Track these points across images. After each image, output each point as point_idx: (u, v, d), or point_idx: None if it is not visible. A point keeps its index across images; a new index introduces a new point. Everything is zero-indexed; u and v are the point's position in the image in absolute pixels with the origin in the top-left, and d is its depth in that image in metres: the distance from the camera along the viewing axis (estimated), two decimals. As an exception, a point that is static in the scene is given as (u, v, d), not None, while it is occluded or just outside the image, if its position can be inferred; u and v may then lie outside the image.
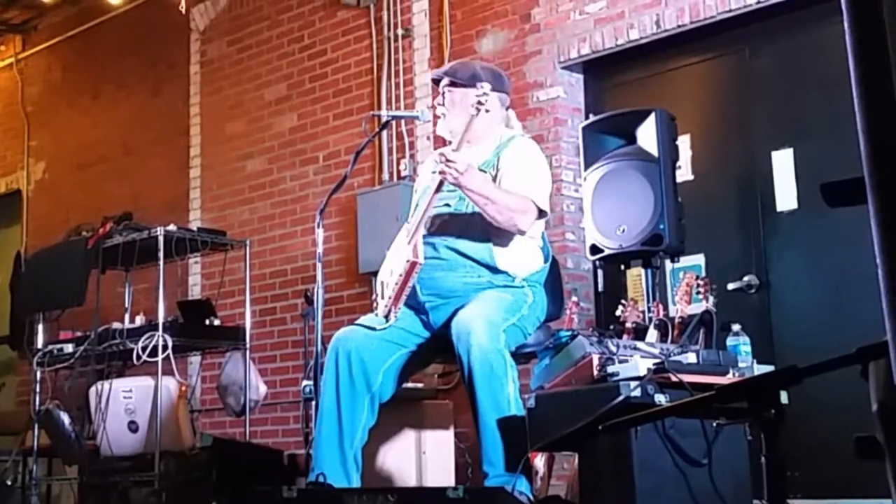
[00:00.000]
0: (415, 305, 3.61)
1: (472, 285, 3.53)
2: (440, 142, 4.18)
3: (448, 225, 3.61)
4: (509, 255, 3.58)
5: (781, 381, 1.56)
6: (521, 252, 3.62)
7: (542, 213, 3.59)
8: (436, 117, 3.75)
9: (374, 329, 3.56)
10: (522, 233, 3.55)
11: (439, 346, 3.59)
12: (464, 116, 3.52)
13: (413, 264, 3.43)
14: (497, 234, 3.56)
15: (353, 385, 3.48)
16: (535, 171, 3.64)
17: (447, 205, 3.62)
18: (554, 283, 3.88)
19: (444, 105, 3.71)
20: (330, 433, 3.45)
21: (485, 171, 3.58)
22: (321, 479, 3.36)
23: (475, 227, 3.54)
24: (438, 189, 3.47)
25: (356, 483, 3.46)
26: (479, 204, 3.46)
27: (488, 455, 3.24)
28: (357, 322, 3.70)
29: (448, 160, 3.35)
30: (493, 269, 3.54)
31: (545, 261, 3.70)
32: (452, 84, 3.72)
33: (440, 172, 3.39)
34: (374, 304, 3.66)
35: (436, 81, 3.84)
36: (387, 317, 3.52)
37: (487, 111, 3.45)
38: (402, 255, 3.48)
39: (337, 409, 3.46)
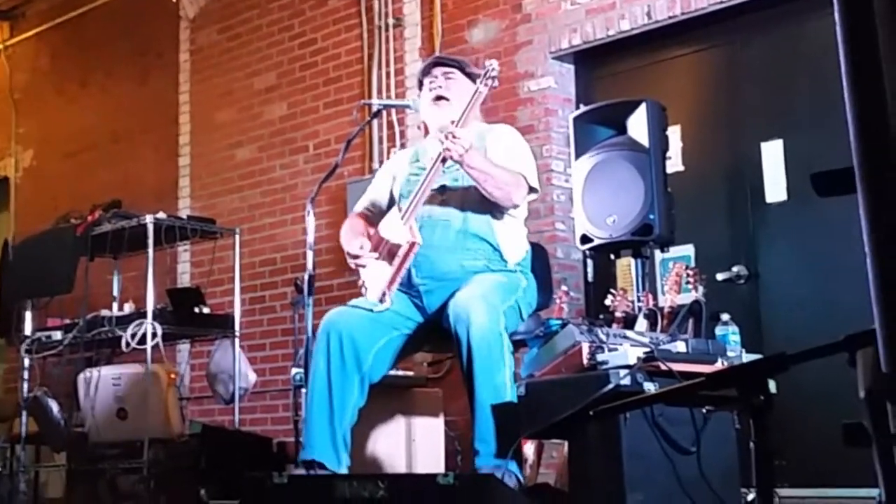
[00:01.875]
0: (408, 289, 3.63)
1: (469, 268, 3.56)
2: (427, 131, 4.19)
3: (447, 204, 3.65)
4: (504, 234, 3.65)
5: (770, 367, 1.58)
6: (512, 234, 3.70)
7: (532, 190, 3.68)
8: (439, 97, 3.76)
9: (367, 311, 3.58)
10: (516, 206, 3.66)
11: (431, 331, 3.61)
12: (462, 106, 3.61)
13: (412, 245, 3.46)
14: (493, 210, 3.63)
15: (345, 365, 3.49)
16: (523, 151, 3.76)
17: (443, 186, 3.66)
18: (543, 272, 3.91)
19: (443, 88, 3.74)
20: (320, 412, 3.46)
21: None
22: (309, 458, 3.39)
23: (472, 203, 3.62)
24: (443, 163, 3.52)
25: (346, 462, 3.47)
26: (478, 180, 3.52)
27: (481, 433, 3.24)
28: (350, 303, 3.72)
29: (455, 136, 3.42)
30: (492, 247, 3.60)
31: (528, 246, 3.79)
32: (462, 71, 3.80)
33: (445, 149, 3.44)
34: (363, 291, 3.67)
35: (439, 64, 3.86)
36: (381, 300, 3.54)
37: (495, 88, 3.57)
38: (398, 236, 3.50)
39: (328, 389, 3.47)
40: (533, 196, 3.74)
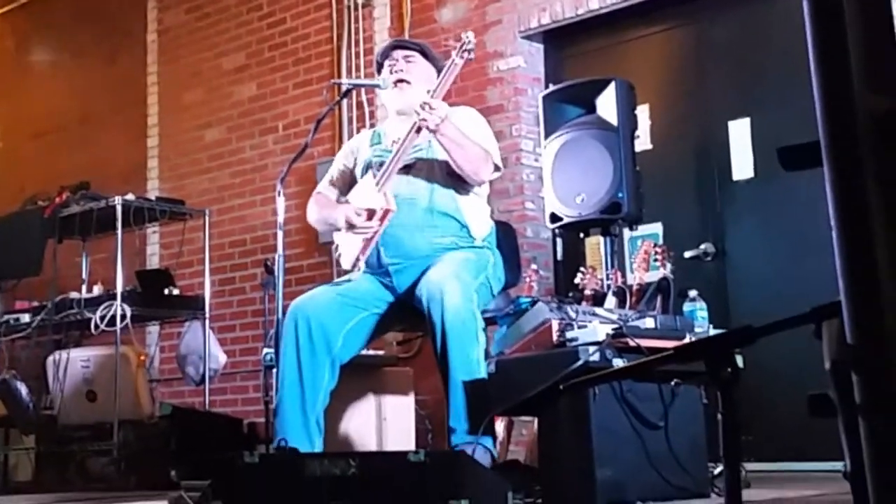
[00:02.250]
0: (377, 269, 3.63)
1: (438, 245, 3.57)
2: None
3: (412, 182, 3.65)
4: (470, 210, 3.67)
5: (737, 339, 1.59)
6: (478, 210, 3.72)
7: (495, 168, 3.71)
8: (400, 80, 3.76)
9: (343, 282, 3.60)
10: (482, 183, 3.70)
11: (402, 311, 3.62)
12: (423, 91, 3.60)
13: (386, 211, 3.49)
14: (458, 185, 3.65)
15: (314, 349, 3.49)
16: (486, 131, 3.78)
17: (407, 165, 3.66)
18: (511, 250, 3.92)
19: (404, 71, 3.74)
20: (292, 398, 3.46)
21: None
22: (283, 443, 3.39)
23: (438, 179, 3.64)
24: (418, 132, 3.51)
25: (319, 447, 3.48)
26: (450, 150, 3.53)
27: (457, 411, 3.26)
28: (321, 287, 3.74)
29: (431, 106, 3.43)
30: (459, 224, 3.61)
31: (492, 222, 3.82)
32: (423, 55, 3.81)
33: (421, 119, 3.44)
34: (338, 258, 3.70)
35: (399, 47, 3.86)
36: (354, 266, 3.55)
37: (471, 60, 3.56)
38: (372, 203, 3.51)
39: (298, 374, 3.47)
40: (497, 175, 3.78)
